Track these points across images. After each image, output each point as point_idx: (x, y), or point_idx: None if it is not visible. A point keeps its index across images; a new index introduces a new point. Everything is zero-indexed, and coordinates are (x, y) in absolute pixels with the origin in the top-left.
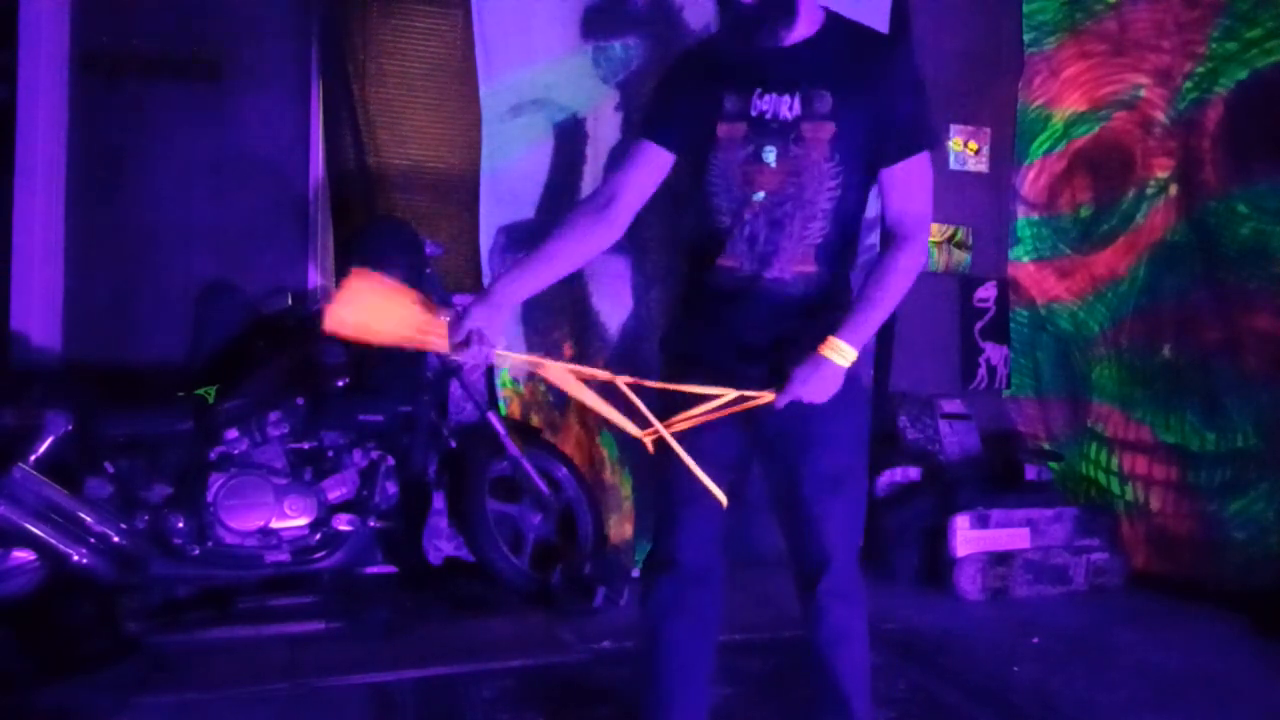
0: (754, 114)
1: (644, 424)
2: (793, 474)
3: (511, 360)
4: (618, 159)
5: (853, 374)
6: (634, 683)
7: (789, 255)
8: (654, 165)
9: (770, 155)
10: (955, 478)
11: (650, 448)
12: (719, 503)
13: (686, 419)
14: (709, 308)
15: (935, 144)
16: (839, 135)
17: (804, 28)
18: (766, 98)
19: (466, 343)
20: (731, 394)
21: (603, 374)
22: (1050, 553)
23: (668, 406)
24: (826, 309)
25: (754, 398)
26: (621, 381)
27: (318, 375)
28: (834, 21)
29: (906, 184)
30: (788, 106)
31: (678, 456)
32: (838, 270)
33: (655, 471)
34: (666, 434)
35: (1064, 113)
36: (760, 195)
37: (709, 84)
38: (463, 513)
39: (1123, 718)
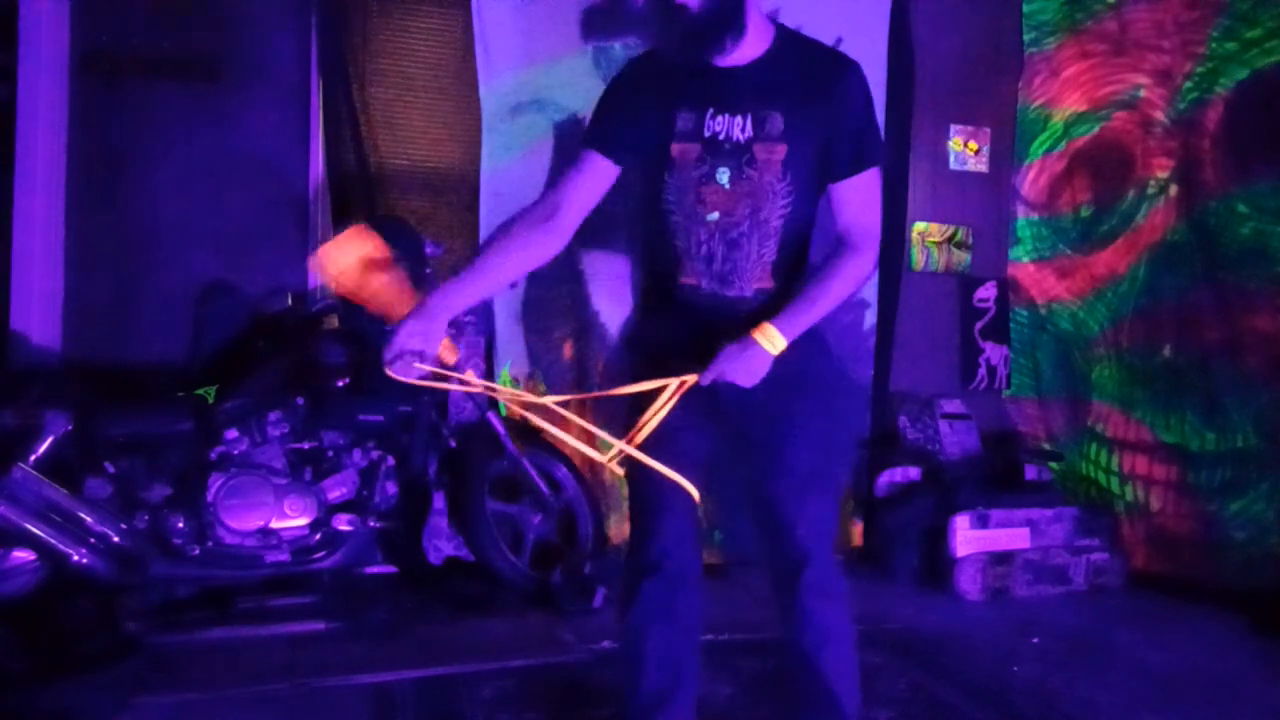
0: (707, 135)
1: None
2: (764, 472)
3: (442, 385)
4: (561, 169)
5: (829, 373)
6: (619, 687)
7: (748, 274)
8: (600, 176)
9: (724, 177)
10: (955, 478)
11: (616, 469)
12: (694, 502)
13: (642, 428)
14: (673, 317)
15: (883, 160)
16: (790, 156)
17: (754, 44)
18: (720, 118)
19: (400, 358)
20: (661, 382)
21: (535, 398)
22: (1050, 553)
23: (628, 411)
24: None
25: (682, 382)
26: (551, 401)
27: (318, 375)
28: (784, 38)
29: (856, 198)
30: (739, 128)
31: (651, 460)
32: (794, 284)
33: (629, 478)
34: (631, 450)
35: (1064, 113)
36: (714, 216)
37: (660, 99)
38: (463, 513)
39: (1123, 718)
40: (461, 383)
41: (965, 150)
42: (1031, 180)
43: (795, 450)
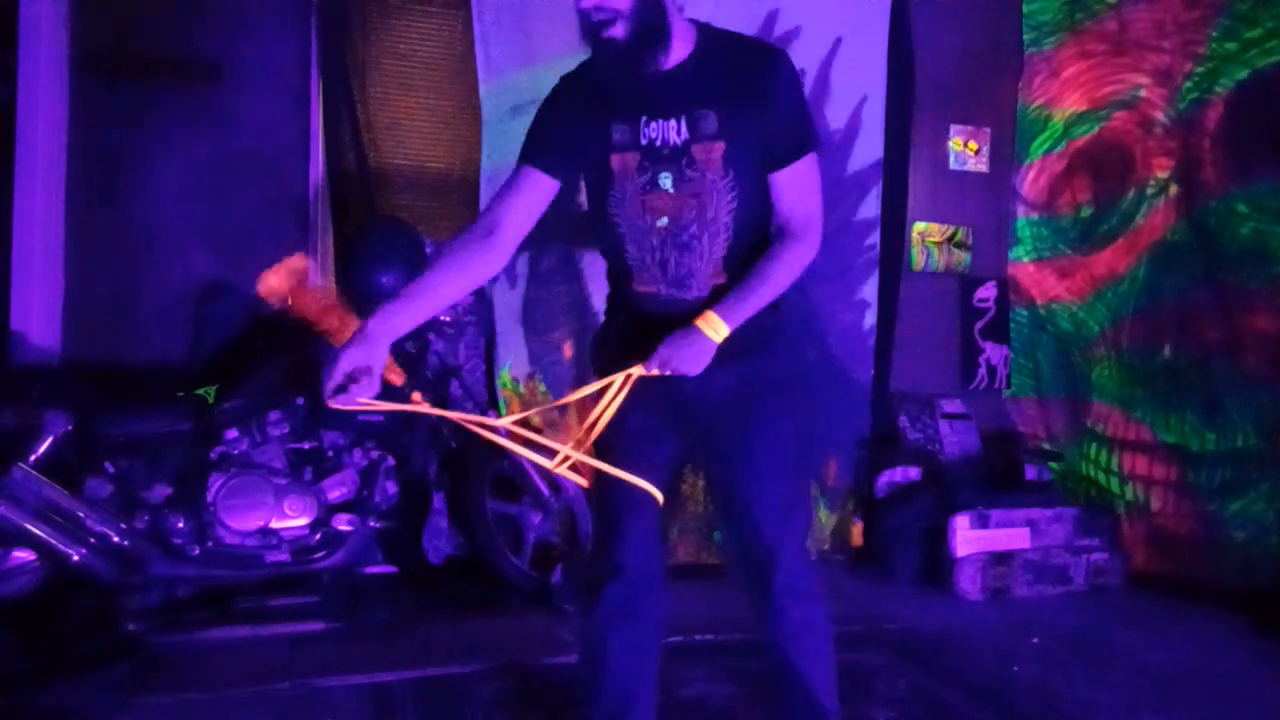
0: (644, 142)
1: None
2: (729, 475)
3: (382, 408)
4: (502, 186)
5: (796, 373)
6: (581, 693)
7: (703, 275)
8: (539, 193)
9: (667, 181)
10: (955, 478)
11: (569, 474)
12: (657, 504)
13: (592, 427)
14: (633, 324)
15: (819, 146)
16: (729, 152)
17: (679, 47)
18: (654, 124)
19: (344, 386)
20: (608, 380)
21: (488, 421)
22: (1050, 553)
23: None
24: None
25: (628, 375)
26: (507, 423)
27: (318, 375)
28: (707, 36)
29: (792, 186)
30: (675, 131)
31: (610, 465)
32: None
33: (594, 483)
34: (577, 455)
35: (1064, 113)
36: (664, 221)
37: (595, 113)
38: (463, 513)
39: (1123, 718)
40: (407, 408)
41: (965, 150)
42: (1031, 180)
43: (759, 453)
